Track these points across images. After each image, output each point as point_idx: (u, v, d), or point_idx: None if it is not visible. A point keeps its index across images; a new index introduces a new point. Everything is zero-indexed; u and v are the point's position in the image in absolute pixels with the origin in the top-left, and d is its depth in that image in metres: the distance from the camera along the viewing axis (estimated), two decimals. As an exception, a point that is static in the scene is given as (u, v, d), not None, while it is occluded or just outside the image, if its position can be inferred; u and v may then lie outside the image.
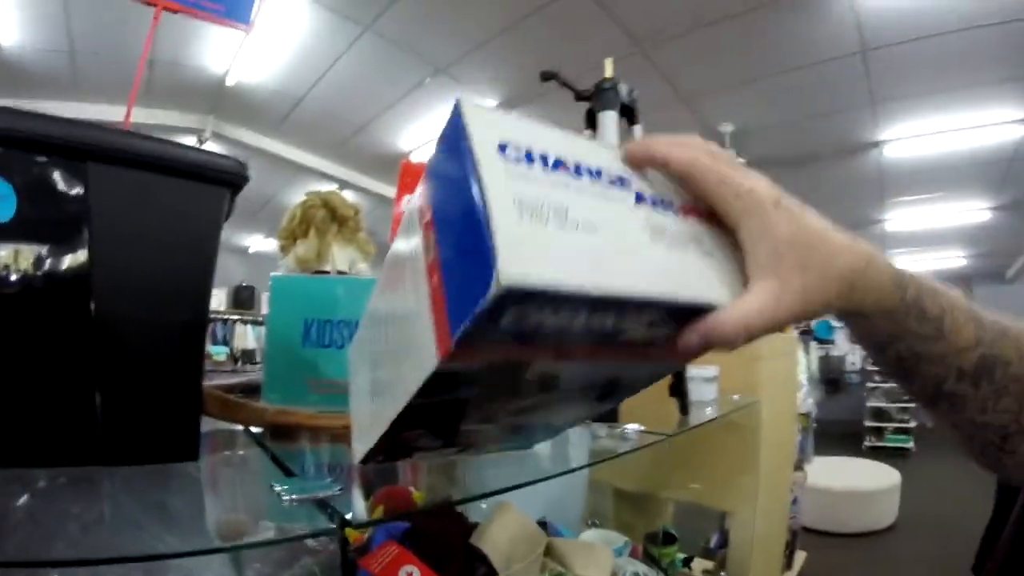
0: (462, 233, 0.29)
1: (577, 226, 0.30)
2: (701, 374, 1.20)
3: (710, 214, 0.37)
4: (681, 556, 1.59)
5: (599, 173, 0.34)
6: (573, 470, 0.67)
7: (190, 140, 4.59)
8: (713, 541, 1.86)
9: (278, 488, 0.49)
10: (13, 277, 0.54)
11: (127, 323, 0.58)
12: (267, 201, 6.41)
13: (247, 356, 6.78)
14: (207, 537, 0.51)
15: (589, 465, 0.71)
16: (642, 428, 0.83)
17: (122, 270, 0.58)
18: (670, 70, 3.68)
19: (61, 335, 0.56)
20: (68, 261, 0.56)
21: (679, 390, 1.00)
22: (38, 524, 0.47)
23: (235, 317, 7.82)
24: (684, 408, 1.00)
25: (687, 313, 0.34)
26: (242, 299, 7.99)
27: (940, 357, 0.43)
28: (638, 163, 0.37)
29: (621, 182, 0.35)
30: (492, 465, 1.10)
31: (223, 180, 0.65)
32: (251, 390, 1.11)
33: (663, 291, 0.32)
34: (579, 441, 0.80)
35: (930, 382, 0.44)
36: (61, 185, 0.56)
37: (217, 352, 7.22)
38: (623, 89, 1.00)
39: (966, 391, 0.43)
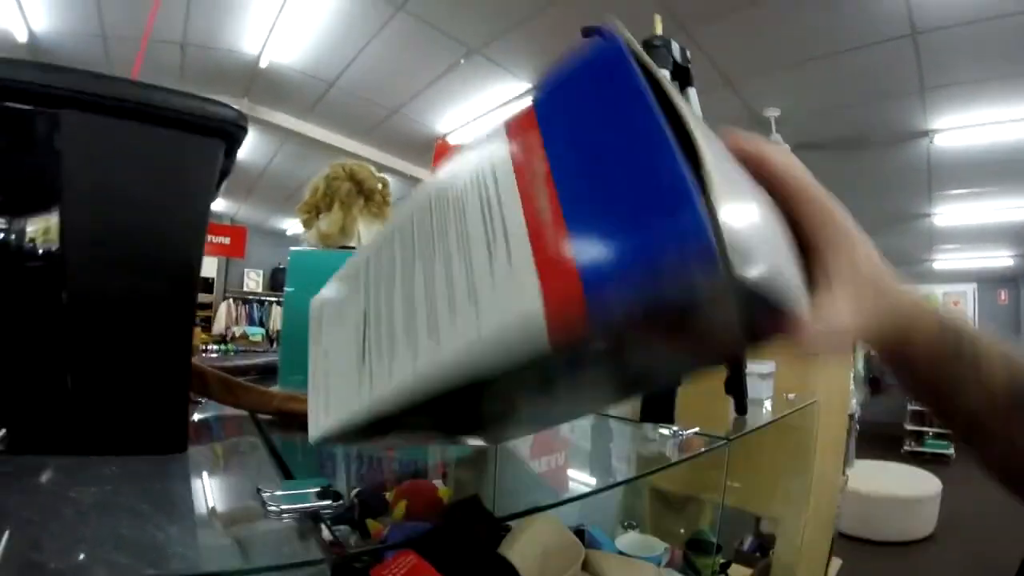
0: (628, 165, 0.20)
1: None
2: (757, 369, 1.09)
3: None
4: (720, 561, 1.48)
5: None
6: (628, 481, 0.57)
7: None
8: (747, 544, 1.77)
9: (266, 495, 0.41)
10: None
11: (103, 295, 0.51)
12: (302, 184, 6.42)
13: (282, 337, 6.94)
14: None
15: (645, 475, 0.61)
16: (698, 431, 0.73)
17: (98, 234, 0.51)
18: (714, 51, 3.53)
19: (28, 309, 0.50)
20: (37, 224, 0.50)
21: (736, 388, 0.89)
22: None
23: (272, 299, 8.01)
24: (741, 407, 0.90)
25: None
26: (279, 281, 8.17)
27: (975, 393, 0.43)
28: (739, 152, 0.35)
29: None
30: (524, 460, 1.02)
31: (216, 130, 0.57)
32: (269, 371, 1.04)
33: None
34: (629, 444, 0.70)
35: (961, 415, 0.45)
36: (30, 136, 0.49)
37: (253, 333, 7.39)
38: (675, 47, 0.88)
39: (997, 427, 0.43)
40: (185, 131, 0.55)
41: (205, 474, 0.56)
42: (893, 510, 4.37)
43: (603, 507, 1.35)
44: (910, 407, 7.92)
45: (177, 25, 3.61)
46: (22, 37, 3.68)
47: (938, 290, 8.65)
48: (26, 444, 0.49)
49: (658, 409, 0.65)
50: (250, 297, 8.11)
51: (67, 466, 0.48)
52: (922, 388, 0.45)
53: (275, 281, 8.31)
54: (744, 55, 3.64)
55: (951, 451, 7.28)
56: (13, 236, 0.50)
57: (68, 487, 0.44)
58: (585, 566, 0.77)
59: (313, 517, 0.40)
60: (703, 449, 0.69)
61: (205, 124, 0.56)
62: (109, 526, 0.38)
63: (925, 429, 7.68)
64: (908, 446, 7.62)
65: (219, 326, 7.51)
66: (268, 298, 8.11)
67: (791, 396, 1.21)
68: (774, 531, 1.49)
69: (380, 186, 1.21)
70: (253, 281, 8.40)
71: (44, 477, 0.47)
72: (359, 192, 1.18)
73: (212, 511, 0.45)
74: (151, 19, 1.56)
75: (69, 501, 0.41)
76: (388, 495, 1.08)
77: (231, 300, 7.77)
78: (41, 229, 0.50)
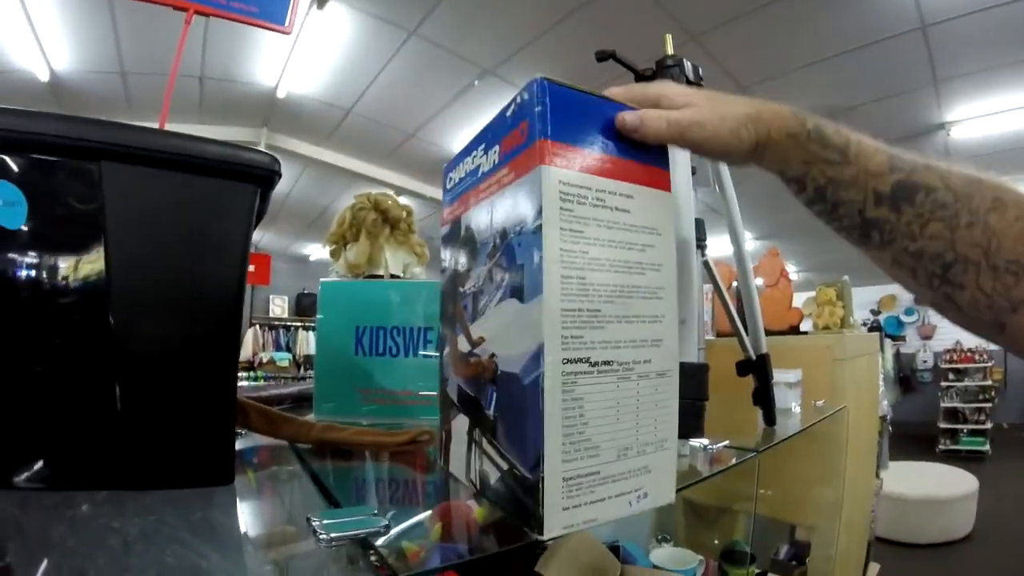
0: None
1: None
2: (784, 379, 1.10)
3: None
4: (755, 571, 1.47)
5: None
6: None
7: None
8: (783, 553, 1.75)
9: (315, 523, 0.43)
10: (26, 290, 0.50)
11: (148, 336, 0.54)
12: (324, 210, 6.50)
13: (309, 362, 6.99)
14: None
15: (681, 489, 0.62)
16: (728, 443, 0.74)
17: (142, 277, 0.54)
18: (724, 58, 3.53)
19: (77, 349, 0.52)
20: (84, 270, 0.52)
21: (764, 399, 0.90)
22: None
23: (297, 324, 8.09)
24: (770, 418, 0.90)
25: None
26: (304, 306, 8.24)
27: (852, 181, 0.47)
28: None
29: None
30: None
31: (251, 176, 0.59)
32: (303, 399, 1.06)
33: None
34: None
35: (853, 209, 0.48)
36: (74, 188, 0.52)
37: (280, 358, 7.46)
38: (688, 66, 0.90)
39: (888, 217, 0.47)
40: (221, 178, 0.57)
41: (253, 504, 0.58)
42: (930, 511, 4.27)
43: (636, 521, 1.35)
44: (943, 405, 7.78)
45: (195, 59, 3.69)
46: (44, 77, 3.80)
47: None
48: (72, 480, 0.52)
49: (688, 423, 0.66)
50: (276, 323, 8.19)
51: (113, 499, 0.50)
52: (805, 190, 0.50)
53: (300, 306, 8.39)
54: (754, 60, 3.64)
55: (987, 447, 7.12)
56: (63, 281, 0.52)
57: (113, 517, 0.46)
58: (621, 582, 0.78)
59: (361, 543, 0.42)
60: (734, 461, 0.70)
61: (240, 170, 0.58)
62: (154, 555, 0.40)
63: (959, 427, 7.54)
64: (943, 444, 7.46)
65: (246, 352, 7.59)
66: (294, 323, 8.19)
67: (819, 403, 1.21)
68: (809, 539, 1.48)
69: (405, 214, 1.24)
70: (279, 307, 8.48)
71: (89, 509, 0.50)
72: (384, 221, 1.21)
73: (261, 539, 0.47)
74: (175, 65, 1.61)
75: (113, 531, 0.43)
76: (424, 519, 1.10)
77: (257, 327, 7.85)
78: (89, 273, 0.52)
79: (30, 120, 0.50)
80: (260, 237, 7.95)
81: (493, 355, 0.49)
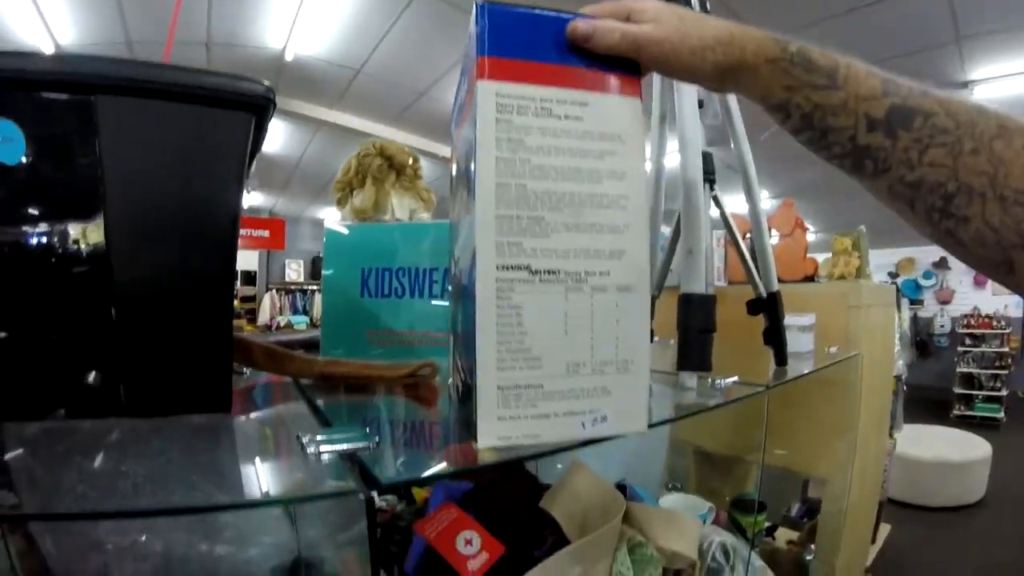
0: None
1: None
2: (796, 322, 1.08)
3: None
4: (765, 525, 1.47)
5: None
6: (665, 422, 0.58)
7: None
8: (795, 510, 1.75)
9: (305, 439, 0.42)
10: (26, 223, 0.51)
11: (145, 263, 0.54)
12: (336, 172, 6.51)
13: (325, 324, 7.09)
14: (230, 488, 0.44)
15: (681, 418, 0.61)
16: (737, 379, 0.73)
17: (138, 206, 0.54)
18: (747, 10, 3.45)
19: (75, 277, 0.52)
20: (81, 202, 0.52)
21: (775, 338, 0.88)
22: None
23: (314, 287, 8.16)
24: (781, 358, 0.89)
25: None
26: (320, 269, 8.25)
27: (841, 106, 0.44)
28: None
29: None
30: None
31: (246, 104, 0.59)
32: (311, 346, 1.06)
33: None
34: (664, 393, 0.70)
35: (843, 136, 0.45)
36: (70, 122, 0.52)
37: (297, 322, 7.54)
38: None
39: (882, 143, 0.44)
40: (217, 107, 0.57)
41: (250, 429, 0.58)
42: (942, 475, 4.27)
43: (647, 470, 1.35)
44: (959, 370, 7.73)
45: (200, 25, 3.66)
46: (49, 51, 3.78)
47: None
48: (84, 410, 0.52)
49: (694, 355, 0.65)
50: (292, 287, 8.25)
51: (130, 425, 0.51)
52: (790, 118, 0.47)
53: (315, 269, 8.44)
54: (777, 14, 3.54)
55: (1001, 415, 7.08)
56: (61, 213, 0.52)
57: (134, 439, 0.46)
58: (627, 520, 0.77)
59: (350, 457, 0.41)
60: (741, 396, 0.69)
61: (235, 99, 0.58)
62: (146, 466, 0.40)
63: (975, 393, 7.48)
64: (958, 410, 7.43)
65: (264, 317, 7.68)
66: (310, 287, 8.25)
67: (833, 350, 1.19)
68: (821, 493, 1.47)
69: (411, 160, 1.22)
70: (294, 271, 8.54)
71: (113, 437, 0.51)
72: (390, 167, 1.20)
73: (253, 458, 0.47)
74: (175, 17, 1.59)
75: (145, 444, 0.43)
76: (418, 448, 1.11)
77: (274, 291, 7.91)
78: (87, 205, 0.52)
79: (25, 59, 0.50)
80: (274, 203, 7.97)
81: (461, 270, 0.51)
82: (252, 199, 7.75)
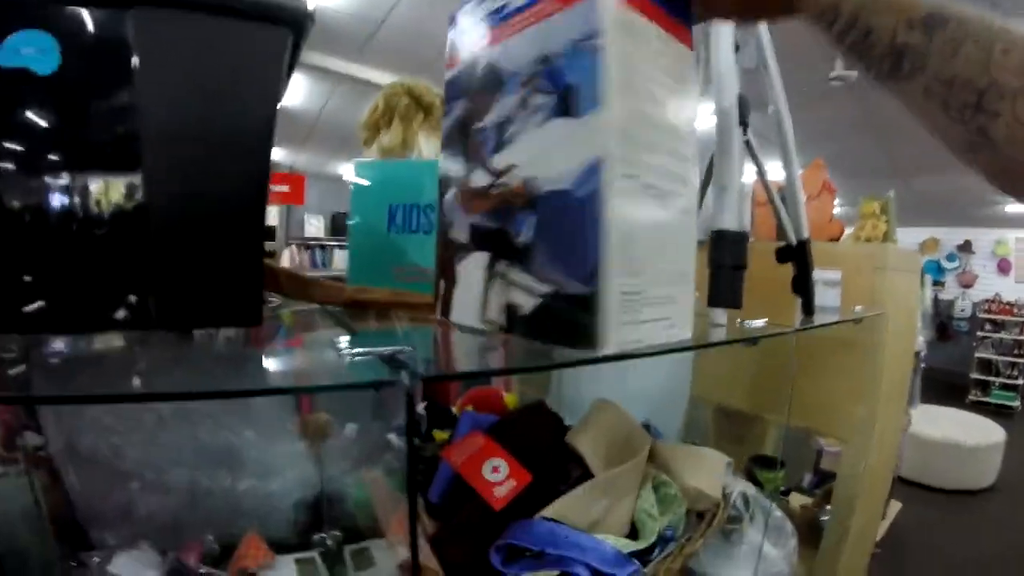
0: None
1: None
2: (823, 277, 1.06)
3: None
4: (782, 483, 1.47)
5: None
6: (691, 348, 0.58)
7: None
8: (807, 480, 1.75)
9: (341, 344, 0.42)
10: (60, 135, 0.51)
11: (180, 178, 0.53)
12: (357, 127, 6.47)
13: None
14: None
15: (709, 346, 0.61)
16: (766, 321, 0.72)
17: (172, 121, 0.53)
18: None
19: (110, 193, 0.52)
20: (115, 114, 0.52)
21: (803, 286, 0.87)
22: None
23: (333, 243, 8.17)
24: (809, 307, 0.87)
25: None
26: (339, 225, 8.28)
27: (885, 8, 0.46)
28: None
29: None
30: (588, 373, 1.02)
31: (284, 19, 0.58)
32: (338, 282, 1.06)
33: None
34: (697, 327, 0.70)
35: (884, 35, 0.46)
36: (103, 33, 0.51)
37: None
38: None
39: (920, 41, 0.45)
40: (251, 20, 0.56)
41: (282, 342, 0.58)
42: (955, 457, 4.26)
43: (667, 424, 1.34)
44: (977, 355, 7.66)
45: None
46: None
47: (1010, 235, 8.20)
48: (122, 323, 0.53)
49: (724, 291, 0.64)
50: (312, 243, 8.27)
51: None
52: (841, 15, 0.48)
53: (336, 225, 8.43)
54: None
55: (1017, 403, 7.02)
56: (96, 126, 0.52)
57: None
58: (652, 459, 0.78)
59: (389, 359, 0.40)
60: (771, 333, 0.68)
61: (274, 14, 0.57)
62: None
63: (992, 379, 7.41)
64: (973, 395, 7.37)
65: (284, 271, 7.70)
66: (329, 243, 8.26)
67: (858, 308, 1.17)
68: (838, 455, 1.46)
69: (438, 101, 1.20)
70: (314, 227, 8.53)
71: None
72: (418, 107, 1.18)
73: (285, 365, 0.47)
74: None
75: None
76: (455, 408, 1.11)
77: (294, 246, 7.94)
78: (121, 118, 0.52)
79: None
80: (294, 159, 7.94)
81: (529, 179, 0.49)
82: (272, 154, 7.64)
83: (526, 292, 0.48)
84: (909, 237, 8.87)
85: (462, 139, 0.59)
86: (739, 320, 0.71)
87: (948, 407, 5.01)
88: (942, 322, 8.64)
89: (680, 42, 0.52)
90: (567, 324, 0.45)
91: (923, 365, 3.90)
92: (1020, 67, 0.41)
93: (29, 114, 0.50)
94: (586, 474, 0.72)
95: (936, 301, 8.57)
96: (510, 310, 0.50)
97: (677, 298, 0.51)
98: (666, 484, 0.74)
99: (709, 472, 0.77)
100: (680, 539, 0.68)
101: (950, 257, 8.85)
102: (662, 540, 0.67)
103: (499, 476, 0.64)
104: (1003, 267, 8.36)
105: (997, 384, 7.33)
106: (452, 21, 0.64)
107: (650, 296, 0.47)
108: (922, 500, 4.03)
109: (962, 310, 8.62)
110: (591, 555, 0.59)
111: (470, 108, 0.58)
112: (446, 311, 0.60)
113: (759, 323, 0.71)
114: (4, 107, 0.49)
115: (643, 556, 0.66)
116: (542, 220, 0.47)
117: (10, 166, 0.49)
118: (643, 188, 0.46)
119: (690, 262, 0.53)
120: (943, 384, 7.04)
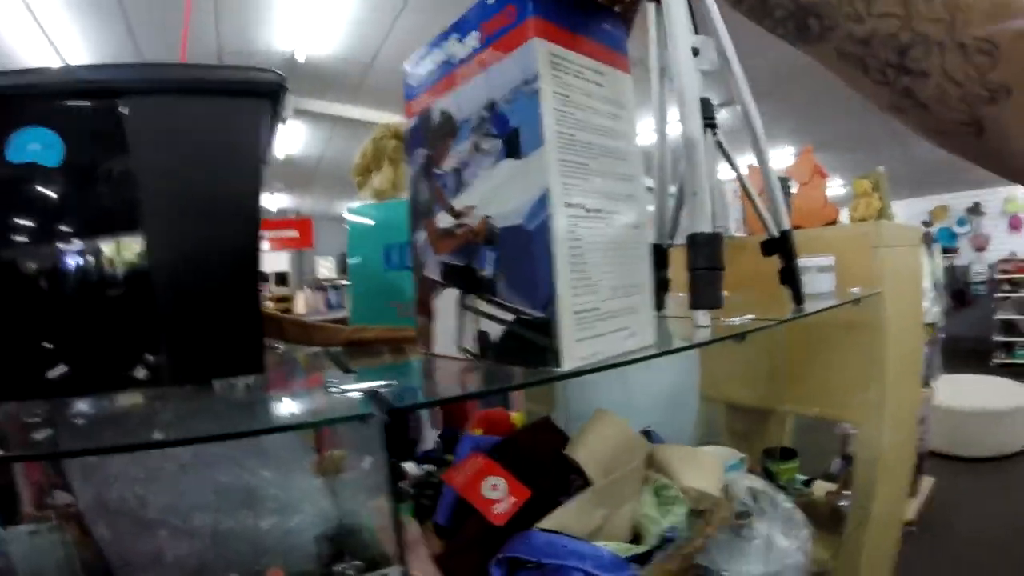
0: None
1: None
2: (816, 263, 1.08)
3: None
4: (802, 478, 1.47)
5: None
6: (680, 349, 0.62)
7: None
8: (834, 466, 1.74)
9: (330, 383, 0.46)
10: (70, 217, 0.56)
11: (178, 239, 0.58)
12: (356, 164, 6.59)
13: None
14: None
15: (698, 345, 0.64)
16: (752, 317, 0.74)
17: (167, 189, 0.58)
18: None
19: (118, 266, 0.57)
20: (117, 195, 0.57)
21: (791, 277, 0.89)
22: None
23: (345, 282, 8.25)
24: (798, 297, 0.89)
25: None
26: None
27: None
28: None
29: None
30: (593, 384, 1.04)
31: (261, 92, 0.63)
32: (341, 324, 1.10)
33: None
34: (680, 333, 0.72)
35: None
36: (100, 120, 0.57)
37: (332, 318, 7.59)
38: None
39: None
40: (234, 96, 0.62)
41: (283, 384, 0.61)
42: (984, 424, 4.20)
43: (678, 427, 1.35)
44: (997, 317, 7.56)
45: (210, 35, 3.74)
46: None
47: (1019, 192, 8.09)
48: (115, 381, 0.57)
49: (703, 293, 0.66)
50: (325, 284, 8.37)
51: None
52: None
53: (345, 264, 8.51)
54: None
55: (1043, 360, 6.92)
56: (101, 206, 0.57)
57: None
58: (651, 463, 0.80)
59: (372, 394, 0.43)
60: (755, 328, 0.70)
61: (250, 88, 0.62)
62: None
63: (1015, 339, 7.32)
64: (998, 358, 7.27)
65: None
66: (342, 281, 8.35)
67: (855, 290, 1.18)
68: (855, 439, 1.46)
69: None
70: (325, 268, 8.65)
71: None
72: (405, 148, 1.22)
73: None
74: (185, 27, 1.63)
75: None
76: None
77: (307, 289, 8.04)
78: (123, 197, 0.57)
79: (63, 72, 0.56)
80: (300, 203, 8.06)
81: (487, 217, 0.53)
82: (278, 201, 7.85)
83: (494, 321, 0.53)
84: (918, 206, 8.82)
85: (427, 183, 0.63)
86: (720, 318, 0.72)
87: (973, 374, 4.96)
88: (959, 289, 8.54)
89: (616, 68, 0.57)
90: (530, 346, 0.49)
91: (942, 336, 3.87)
92: (945, 15, 0.36)
93: (40, 197, 0.55)
94: (586, 484, 0.74)
95: (952, 269, 8.49)
96: (482, 338, 0.55)
97: (635, 307, 0.57)
98: (666, 487, 0.76)
99: (708, 471, 0.79)
100: (680, 539, 0.70)
101: (960, 221, 8.78)
102: (665, 542, 0.69)
103: (498, 493, 0.67)
104: (1015, 224, 8.27)
105: (1021, 344, 7.23)
106: (404, 74, 0.67)
107: (604, 311, 0.52)
108: (956, 471, 3.97)
109: (979, 273, 8.53)
110: (589, 562, 0.62)
111: (429, 155, 0.62)
112: (428, 344, 0.64)
113: (746, 318, 0.73)
114: (18, 195, 0.55)
115: (645, 559, 0.69)
116: (502, 255, 0.52)
117: (27, 240, 0.55)
118: (588, 213, 0.51)
119: (645, 272, 0.59)
120: (966, 351, 6.96)
